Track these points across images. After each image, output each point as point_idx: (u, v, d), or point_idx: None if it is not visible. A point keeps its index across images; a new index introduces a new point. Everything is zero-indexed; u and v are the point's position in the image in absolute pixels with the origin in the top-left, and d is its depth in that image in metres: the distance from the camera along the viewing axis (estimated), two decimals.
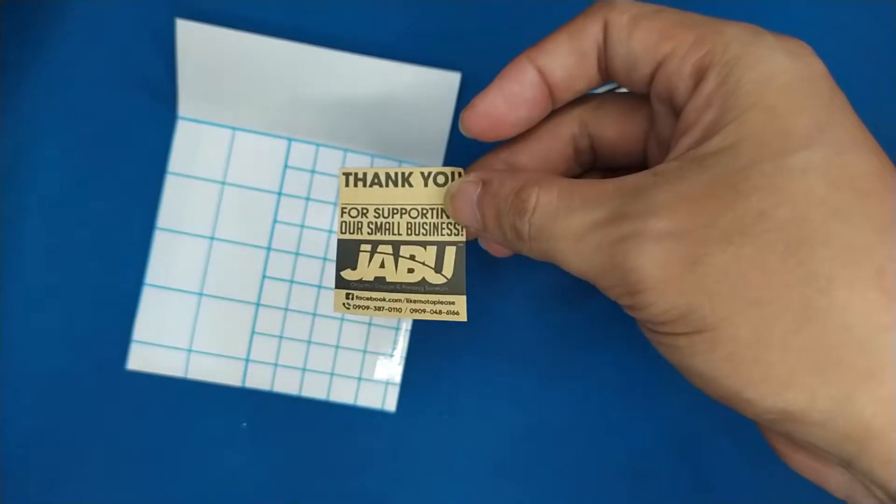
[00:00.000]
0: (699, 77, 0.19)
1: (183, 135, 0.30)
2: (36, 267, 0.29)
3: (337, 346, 0.31)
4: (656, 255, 0.17)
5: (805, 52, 0.19)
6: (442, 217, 0.23)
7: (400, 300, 0.23)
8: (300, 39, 0.29)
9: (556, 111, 0.23)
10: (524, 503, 0.32)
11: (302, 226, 0.31)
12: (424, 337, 0.31)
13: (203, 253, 0.30)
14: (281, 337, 0.30)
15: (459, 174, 0.23)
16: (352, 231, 0.24)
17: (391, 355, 0.31)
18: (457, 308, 0.23)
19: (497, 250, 0.25)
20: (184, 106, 0.30)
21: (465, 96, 0.31)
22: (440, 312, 0.23)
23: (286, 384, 0.30)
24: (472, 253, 0.24)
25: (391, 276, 0.23)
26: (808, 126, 0.17)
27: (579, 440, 0.32)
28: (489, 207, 0.21)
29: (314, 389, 0.31)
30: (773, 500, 0.33)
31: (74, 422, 0.29)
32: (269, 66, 0.29)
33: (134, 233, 0.30)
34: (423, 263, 0.23)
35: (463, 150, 0.31)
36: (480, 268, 0.31)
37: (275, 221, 0.31)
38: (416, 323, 0.31)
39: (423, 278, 0.23)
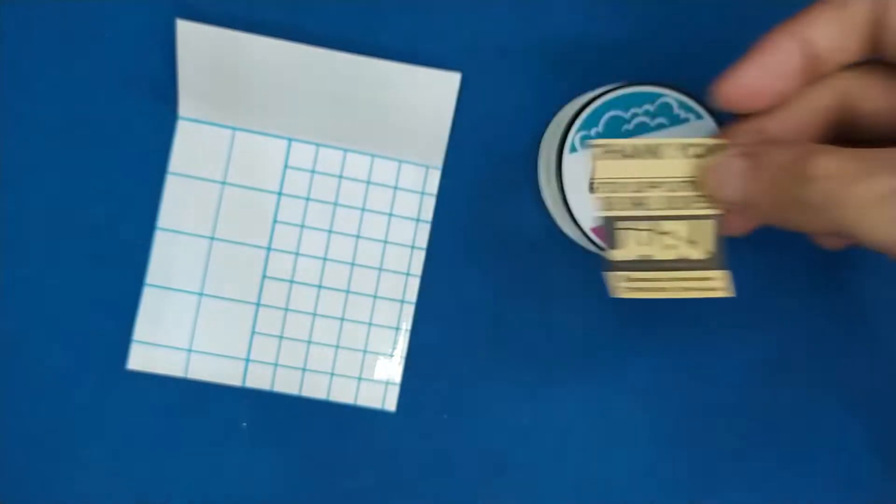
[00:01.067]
0: None
1: (183, 135, 0.30)
2: (36, 267, 0.29)
3: (337, 346, 0.31)
4: None
5: None
6: (696, 189, 0.22)
7: (662, 279, 0.22)
8: (300, 39, 0.29)
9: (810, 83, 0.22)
10: (525, 502, 0.32)
11: (302, 226, 0.31)
12: (425, 338, 0.31)
13: (203, 253, 0.30)
14: (281, 337, 0.30)
15: (719, 147, 0.22)
16: (611, 208, 0.23)
17: (391, 355, 0.31)
18: (720, 284, 0.22)
19: (738, 227, 0.23)
20: (184, 106, 0.30)
21: (465, 96, 0.31)
22: (705, 290, 0.22)
23: (286, 384, 0.30)
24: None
25: (657, 252, 0.22)
26: None
27: (579, 439, 0.32)
28: (762, 180, 0.20)
29: (314, 389, 0.31)
30: (771, 498, 0.33)
31: (75, 421, 0.29)
32: (270, 66, 0.29)
33: (134, 233, 0.29)
34: (682, 238, 0.22)
35: (465, 150, 0.31)
36: (480, 270, 0.32)
37: (275, 221, 0.31)
38: (416, 323, 0.32)
39: (683, 254, 0.22)
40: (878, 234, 0.17)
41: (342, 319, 0.31)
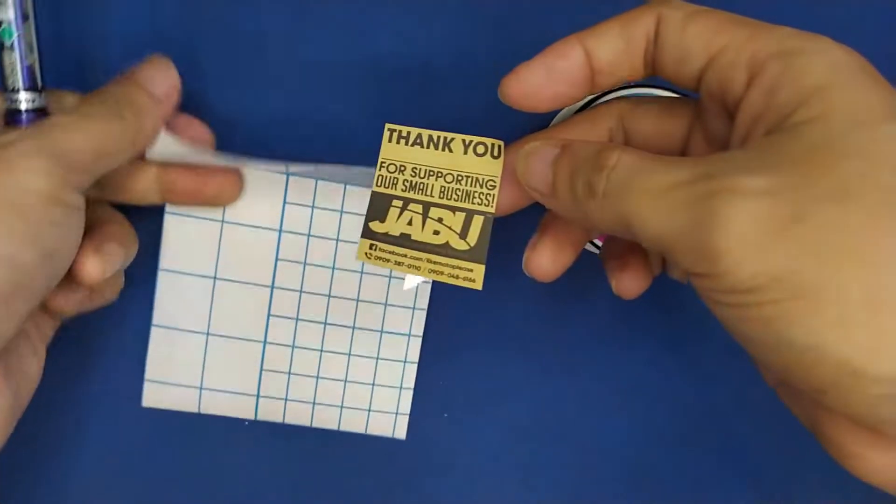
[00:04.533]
0: (756, 68, 0.19)
1: None
2: None
3: (345, 381, 0.31)
4: (751, 212, 0.16)
5: (852, 49, 0.19)
6: (476, 186, 0.23)
7: (420, 259, 0.23)
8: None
9: (594, 105, 0.23)
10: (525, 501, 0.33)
11: (304, 263, 0.30)
12: (432, 357, 0.31)
13: (207, 293, 0.30)
14: (289, 373, 0.31)
15: (499, 147, 0.24)
16: (387, 186, 0.24)
17: (400, 388, 0.31)
18: (474, 276, 0.23)
19: (543, 272, 0.24)
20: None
21: (465, 96, 0.29)
22: (457, 277, 0.23)
23: (297, 417, 0.31)
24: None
25: (416, 234, 0.23)
26: (884, 103, 0.18)
27: (579, 437, 0.32)
28: (565, 166, 0.21)
29: (325, 421, 0.31)
30: (769, 495, 0.33)
31: (95, 460, 0.31)
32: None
33: (139, 275, 0.29)
34: (450, 228, 0.23)
35: None
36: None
37: (277, 259, 0.30)
38: (423, 354, 0.31)
39: (447, 242, 0.23)
40: (653, 225, 0.18)
41: (349, 355, 0.31)
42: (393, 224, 0.24)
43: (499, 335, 0.32)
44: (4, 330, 0.21)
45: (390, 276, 0.30)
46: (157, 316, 0.30)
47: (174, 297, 0.29)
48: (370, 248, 0.24)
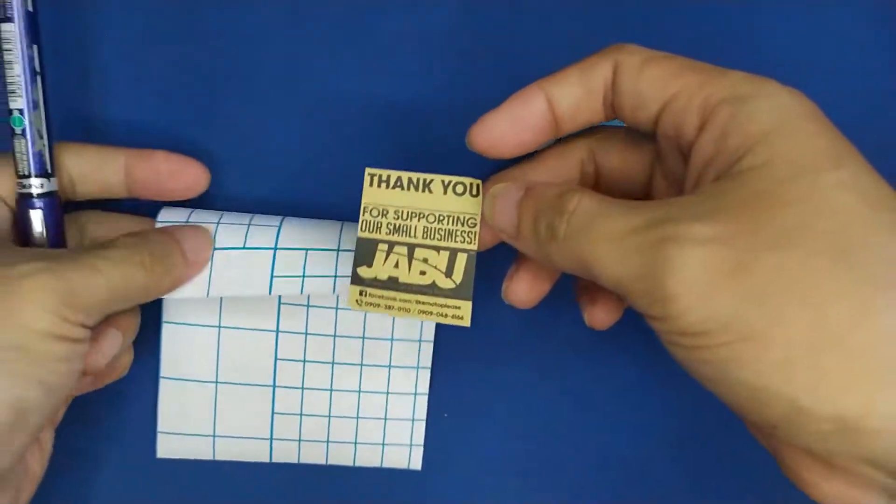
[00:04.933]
0: (707, 113, 0.20)
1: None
2: None
3: (357, 417, 0.31)
4: (699, 258, 0.17)
5: (803, 94, 0.20)
6: (457, 224, 0.24)
7: (409, 301, 0.24)
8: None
9: (566, 138, 0.24)
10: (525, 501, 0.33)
11: (308, 306, 0.30)
12: (444, 381, 0.31)
13: (213, 342, 0.30)
14: (301, 414, 0.31)
15: (477, 186, 0.24)
16: (371, 230, 0.24)
17: (412, 420, 0.31)
18: (461, 313, 0.24)
19: (521, 301, 0.25)
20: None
21: (465, 97, 0.29)
22: (445, 316, 0.24)
23: (312, 456, 0.31)
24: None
25: (404, 276, 0.24)
26: (829, 149, 0.18)
27: (578, 437, 0.32)
28: (529, 208, 0.22)
29: (340, 458, 0.31)
30: (767, 495, 0.33)
31: None
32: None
33: (143, 328, 0.29)
34: (435, 267, 0.24)
35: (465, 152, 0.28)
36: (480, 275, 0.30)
37: (280, 304, 0.30)
38: (433, 387, 0.31)
39: (434, 282, 0.24)
40: (610, 268, 0.19)
41: (359, 392, 0.31)
42: (380, 268, 0.24)
43: (498, 336, 0.32)
44: (5, 463, 0.21)
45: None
46: (165, 368, 0.30)
47: (180, 348, 0.29)
48: (360, 294, 0.24)
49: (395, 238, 0.24)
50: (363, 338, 0.30)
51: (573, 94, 0.22)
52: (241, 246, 0.28)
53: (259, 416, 0.30)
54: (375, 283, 0.24)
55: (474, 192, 0.24)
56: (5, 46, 0.24)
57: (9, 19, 0.23)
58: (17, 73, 0.24)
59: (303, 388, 0.30)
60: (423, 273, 0.24)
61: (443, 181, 0.24)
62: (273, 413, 0.30)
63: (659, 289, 0.18)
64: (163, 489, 0.31)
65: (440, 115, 0.29)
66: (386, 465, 0.31)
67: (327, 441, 0.31)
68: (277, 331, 0.30)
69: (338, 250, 0.29)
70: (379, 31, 0.29)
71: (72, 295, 0.21)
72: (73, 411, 0.29)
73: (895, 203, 0.18)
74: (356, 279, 0.24)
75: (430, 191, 0.24)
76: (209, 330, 0.29)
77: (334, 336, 0.30)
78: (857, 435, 0.17)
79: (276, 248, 0.28)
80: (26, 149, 0.24)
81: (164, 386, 0.30)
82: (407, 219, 0.24)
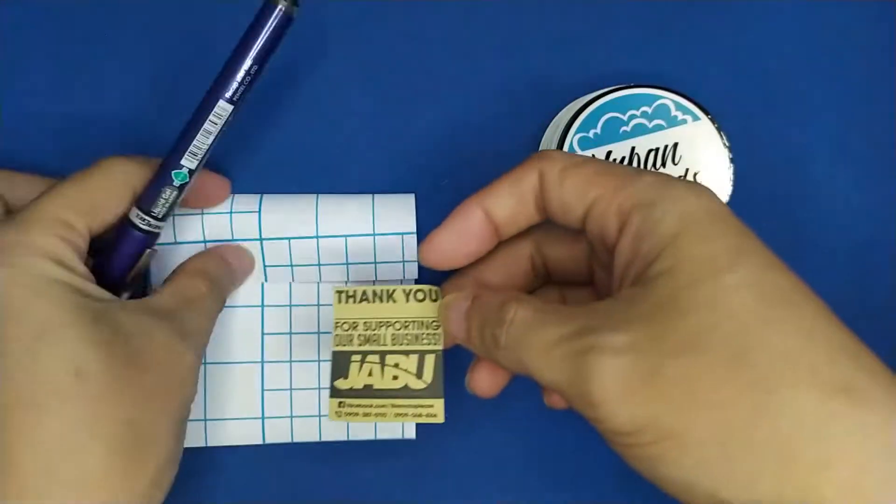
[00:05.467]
0: (624, 217, 0.21)
1: None
2: None
3: None
4: (616, 368, 0.19)
5: (709, 193, 0.21)
6: (422, 328, 0.26)
7: (385, 406, 0.26)
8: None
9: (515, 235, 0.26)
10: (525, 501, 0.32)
11: (291, 282, 0.30)
12: None
13: None
14: (291, 389, 0.30)
15: (436, 292, 0.26)
16: (344, 343, 0.26)
17: None
18: (435, 411, 0.25)
19: (482, 391, 0.26)
20: None
21: (466, 100, 0.31)
22: (420, 415, 0.25)
23: (305, 433, 0.31)
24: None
25: (378, 383, 0.26)
26: (731, 250, 0.20)
27: (578, 437, 0.32)
28: (475, 318, 0.24)
29: (333, 432, 0.31)
30: None
31: None
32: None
33: None
34: (406, 370, 0.25)
35: (465, 153, 0.32)
36: None
37: (265, 278, 0.30)
38: None
39: (406, 384, 0.25)
40: (545, 375, 0.21)
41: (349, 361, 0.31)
42: (356, 378, 0.26)
43: None
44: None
45: (375, 263, 0.31)
46: None
47: None
48: (339, 405, 0.26)
49: (366, 348, 0.26)
50: None
51: (506, 204, 0.24)
52: (230, 238, 0.29)
53: (249, 395, 0.30)
54: (352, 392, 0.26)
55: (433, 298, 0.26)
56: (213, 119, 0.25)
57: (232, 102, 0.25)
58: (208, 143, 0.25)
59: (291, 362, 0.30)
60: (395, 378, 0.25)
61: (404, 291, 0.26)
62: (263, 390, 0.30)
63: (586, 395, 0.19)
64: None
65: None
66: (381, 436, 0.31)
67: (319, 415, 0.31)
68: (262, 306, 0.30)
69: (317, 237, 0.30)
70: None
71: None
72: None
73: (792, 295, 0.19)
74: (334, 392, 0.26)
75: (394, 300, 0.26)
76: None
77: (318, 305, 0.30)
78: None
79: (261, 239, 0.29)
80: (171, 199, 0.26)
81: None
82: (376, 328, 0.26)
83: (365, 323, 0.26)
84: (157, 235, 0.26)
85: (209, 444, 0.30)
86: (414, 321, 0.26)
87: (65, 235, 0.24)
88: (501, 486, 0.32)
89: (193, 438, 0.30)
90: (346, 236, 0.30)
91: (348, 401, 0.26)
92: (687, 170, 0.29)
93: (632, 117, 0.29)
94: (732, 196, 0.29)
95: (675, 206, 0.20)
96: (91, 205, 0.24)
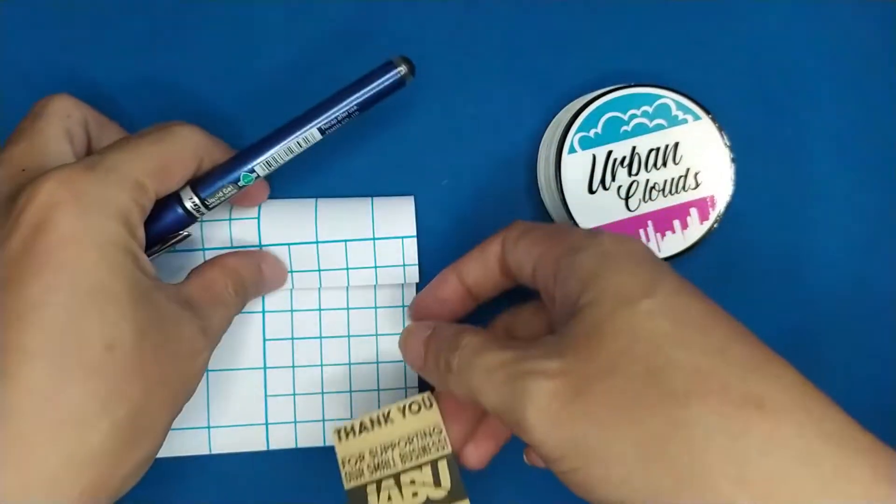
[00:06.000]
0: (555, 268, 0.24)
1: None
2: None
3: (350, 391, 0.31)
4: (547, 390, 0.20)
5: (631, 239, 0.24)
6: (426, 438, 0.26)
7: None
8: None
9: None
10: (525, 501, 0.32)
11: (291, 289, 0.30)
12: None
13: None
14: (294, 395, 0.30)
15: (429, 399, 0.26)
16: (356, 478, 0.26)
17: (404, 388, 0.31)
18: None
19: (471, 465, 0.27)
20: None
21: (466, 98, 0.32)
22: None
23: (309, 438, 0.31)
24: None
25: (400, 502, 0.26)
26: (646, 281, 0.22)
27: None
28: (432, 345, 0.25)
29: None
30: None
31: None
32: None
33: None
34: (424, 483, 0.25)
35: (465, 152, 0.32)
36: None
37: None
38: None
39: (427, 497, 0.25)
40: (489, 398, 0.22)
41: (349, 364, 0.31)
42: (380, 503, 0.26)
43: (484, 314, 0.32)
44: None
45: (376, 287, 0.31)
46: None
47: None
48: None
49: (378, 475, 0.26)
50: (347, 308, 0.31)
51: (475, 270, 0.27)
52: (230, 245, 0.29)
53: (253, 401, 0.30)
54: None
55: (428, 405, 0.26)
56: (299, 141, 0.26)
57: (322, 133, 0.26)
58: (285, 159, 0.26)
59: (293, 367, 0.30)
60: (415, 494, 0.25)
61: (399, 408, 0.26)
62: (266, 395, 0.30)
63: (522, 419, 0.21)
64: (162, 490, 0.30)
65: None
66: None
67: (323, 420, 0.31)
68: (263, 311, 0.30)
69: (317, 242, 0.30)
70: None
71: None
72: None
73: (705, 318, 0.21)
74: None
75: (392, 421, 0.26)
76: None
77: (319, 311, 0.30)
78: None
79: (261, 246, 0.29)
80: (227, 195, 0.26)
81: None
82: (383, 454, 0.26)
83: (370, 452, 0.26)
84: (194, 222, 0.26)
85: (213, 452, 0.30)
86: (416, 433, 0.26)
87: (137, 198, 0.23)
88: (512, 491, 0.32)
89: (197, 446, 0.30)
90: (345, 241, 0.30)
91: None
92: (688, 169, 0.29)
93: (632, 117, 0.29)
94: (733, 195, 0.30)
95: (596, 250, 0.23)
96: (164, 169, 0.24)
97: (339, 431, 0.26)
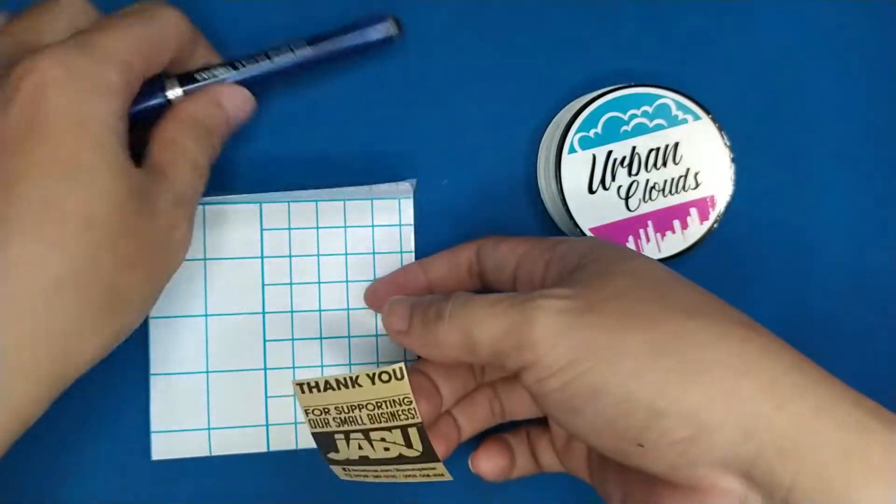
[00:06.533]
0: (551, 252, 0.26)
1: None
2: None
3: None
4: (556, 308, 0.22)
5: (600, 239, 0.29)
6: (395, 406, 0.25)
7: (390, 470, 0.26)
8: None
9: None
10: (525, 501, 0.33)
11: (291, 283, 0.30)
12: None
13: (201, 331, 0.30)
14: (294, 395, 0.30)
15: (401, 370, 0.24)
16: (321, 425, 0.26)
17: None
18: (440, 471, 0.26)
19: (485, 471, 0.29)
20: None
21: (466, 98, 0.32)
22: (429, 476, 0.26)
23: (309, 439, 0.30)
24: None
25: (372, 454, 0.26)
26: (626, 253, 0.26)
27: None
28: (419, 309, 0.26)
29: None
30: None
31: None
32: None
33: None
34: (395, 442, 0.25)
35: (465, 152, 0.32)
36: None
37: (263, 285, 0.30)
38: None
39: (400, 454, 0.25)
40: (487, 330, 0.23)
41: (350, 364, 0.31)
42: (347, 451, 0.26)
43: None
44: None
45: (374, 254, 0.31)
46: (155, 364, 0.29)
47: (168, 342, 0.29)
48: (343, 471, 0.26)
49: (346, 428, 0.25)
50: (347, 309, 0.31)
51: (441, 266, 0.30)
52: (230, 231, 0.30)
53: (253, 402, 0.30)
54: (349, 462, 0.26)
55: (399, 376, 0.24)
56: (275, 58, 0.27)
57: (300, 66, 0.28)
58: (260, 71, 0.27)
59: (294, 368, 0.30)
60: (387, 449, 0.25)
61: (368, 375, 0.24)
62: (267, 396, 0.30)
63: (526, 336, 0.22)
64: (161, 493, 0.30)
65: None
66: None
67: None
68: (263, 312, 0.30)
69: (317, 227, 0.30)
70: None
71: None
72: (68, 420, 0.28)
73: (674, 275, 0.24)
74: (331, 462, 0.26)
75: (360, 385, 0.24)
76: (196, 319, 0.30)
77: (319, 311, 0.30)
78: (707, 436, 0.20)
79: (261, 230, 0.29)
80: (206, 81, 0.27)
81: (154, 383, 0.29)
82: (349, 411, 0.25)
83: (336, 408, 0.25)
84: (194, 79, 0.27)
85: (213, 454, 0.30)
86: (386, 400, 0.24)
87: (129, 78, 0.24)
88: (506, 492, 0.32)
89: (197, 447, 0.30)
90: (344, 227, 0.30)
91: (351, 468, 0.25)
92: (688, 169, 0.29)
93: (632, 117, 0.29)
94: (733, 195, 0.30)
95: (585, 238, 0.28)
96: (151, 50, 0.24)
97: (300, 385, 0.25)
